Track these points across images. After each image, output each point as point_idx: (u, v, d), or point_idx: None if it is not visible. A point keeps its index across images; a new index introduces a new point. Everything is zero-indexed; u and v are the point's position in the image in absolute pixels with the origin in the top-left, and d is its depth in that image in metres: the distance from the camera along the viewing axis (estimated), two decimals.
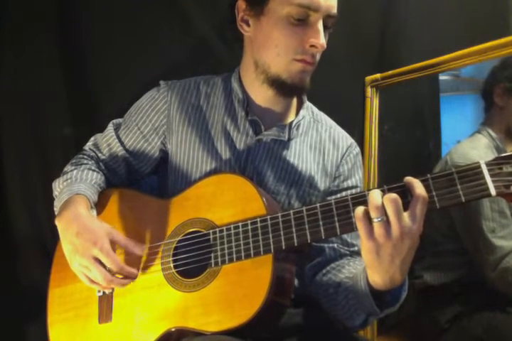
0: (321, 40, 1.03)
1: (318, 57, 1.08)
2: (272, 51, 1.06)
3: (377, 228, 0.81)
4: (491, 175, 0.80)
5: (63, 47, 1.55)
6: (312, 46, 1.03)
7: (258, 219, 0.96)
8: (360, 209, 0.83)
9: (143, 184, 1.26)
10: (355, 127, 1.81)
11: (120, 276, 1.03)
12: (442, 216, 1.62)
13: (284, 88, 1.09)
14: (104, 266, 1.00)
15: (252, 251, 0.95)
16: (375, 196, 0.82)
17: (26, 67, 1.53)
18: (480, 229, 1.50)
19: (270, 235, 0.94)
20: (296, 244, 0.92)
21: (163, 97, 1.17)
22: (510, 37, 1.44)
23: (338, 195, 1.16)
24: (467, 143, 1.66)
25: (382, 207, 0.81)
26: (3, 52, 1.51)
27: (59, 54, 1.55)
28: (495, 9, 1.88)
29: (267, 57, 1.08)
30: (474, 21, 1.86)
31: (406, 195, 0.83)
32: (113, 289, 1.07)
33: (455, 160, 1.58)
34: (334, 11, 1.05)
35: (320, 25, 1.03)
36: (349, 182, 1.19)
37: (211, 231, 1.01)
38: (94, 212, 1.10)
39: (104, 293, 1.08)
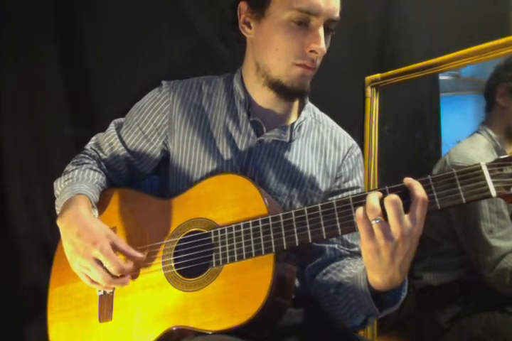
0: (322, 45, 1.02)
1: (318, 61, 1.07)
2: (272, 55, 1.05)
3: (376, 229, 0.82)
4: (492, 177, 0.80)
5: (63, 47, 1.55)
6: (312, 51, 1.03)
7: (259, 219, 0.96)
8: (360, 210, 0.83)
9: (144, 184, 1.26)
10: (355, 127, 1.81)
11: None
12: (441, 216, 1.62)
13: (284, 92, 1.09)
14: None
15: (253, 251, 0.95)
16: (371, 198, 0.83)
17: (26, 67, 1.53)
18: (478, 230, 1.50)
19: (271, 235, 0.94)
20: (297, 244, 0.92)
21: (165, 97, 1.17)
22: (510, 37, 1.44)
23: (340, 196, 1.16)
24: (466, 143, 1.65)
25: (379, 208, 0.81)
26: (4, 52, 1.51)
27: (59, 54, 1.55)
28: (495, 9, 1.88)
29: (267, 61, 1.07)
30: (474, 21, 1.86)
31: (407, 196, 0.83)
32: (114, 288, 1.07)
33: (454, 160, 1.58)
34: (336, 15, 1.03)
35: (321, 30, 1.02)
36: (350, 183, 1.19)
37: (212, 231, 1.01)
38: (96, 212, 1.10)
39: (104, 292, 1.08)
